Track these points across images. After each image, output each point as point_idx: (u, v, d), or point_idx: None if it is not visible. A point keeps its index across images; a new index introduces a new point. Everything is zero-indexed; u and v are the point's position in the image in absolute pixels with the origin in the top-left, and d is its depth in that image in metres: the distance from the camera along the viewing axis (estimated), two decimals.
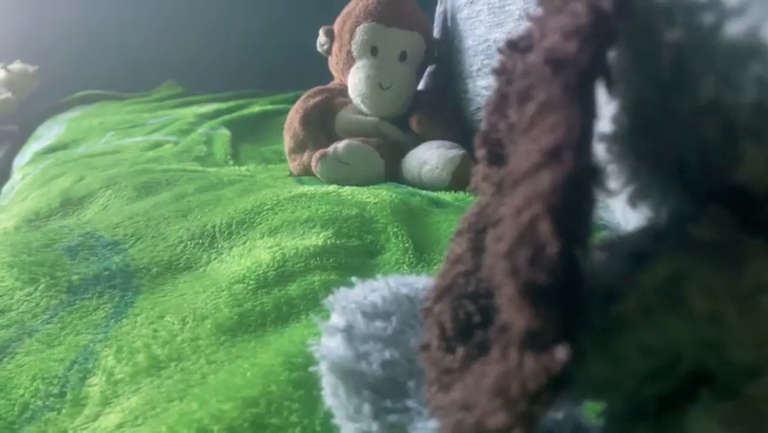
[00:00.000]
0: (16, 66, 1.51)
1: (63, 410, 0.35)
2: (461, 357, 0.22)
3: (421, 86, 0.99)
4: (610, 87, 0.17)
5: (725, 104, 0.15)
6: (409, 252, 0.52)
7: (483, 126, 0.23)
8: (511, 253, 0.17)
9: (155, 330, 0.41)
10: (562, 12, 0.18)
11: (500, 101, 0.22)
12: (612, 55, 0.20)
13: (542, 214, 0.16)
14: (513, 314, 0.17)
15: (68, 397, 0.36)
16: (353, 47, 0.87)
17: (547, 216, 0.16)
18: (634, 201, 0.21)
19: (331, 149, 0.80)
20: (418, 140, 0.86)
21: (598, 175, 0.16)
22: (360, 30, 0.86)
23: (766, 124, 0.14)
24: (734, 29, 0.14)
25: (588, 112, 0.17)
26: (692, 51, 0.16)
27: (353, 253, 0.52)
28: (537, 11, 0.21)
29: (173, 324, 0.41)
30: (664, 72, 0.17)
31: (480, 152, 0.22)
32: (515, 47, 0.22)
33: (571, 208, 0.16)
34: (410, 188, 0.74)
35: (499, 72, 0.22)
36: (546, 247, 0.16)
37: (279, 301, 0.43)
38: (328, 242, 0.52)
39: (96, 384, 0.37)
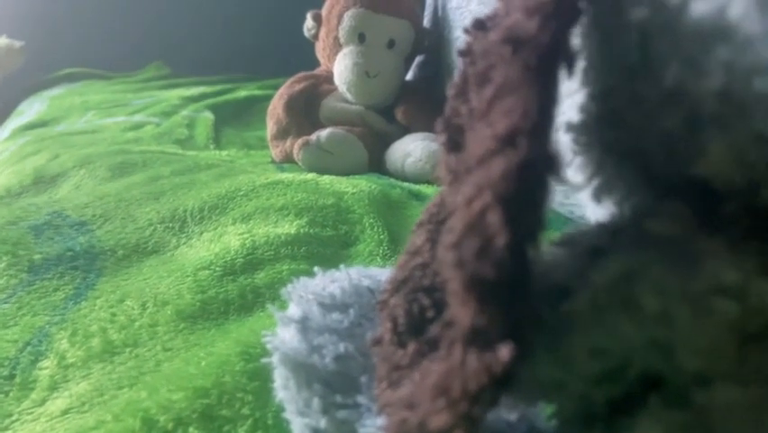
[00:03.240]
0: (2, 41, 1.47)
1: (11, 393, 0.34)
2: (411, 353, 0.21)
3: (409, 76, 0.98)
4: (572, 69, 0.16)
5: (690, 91, 0.14)
6: (384, 244, 0.51)
7: (446, 111, 0.21)
8: (458, 244, 0.16)
9: (113, 314, 0.39)
10: None
11: (463, 84, 0.21)
12: (580, 39, 0.19)
13: (492, 203, 0.15)
14: (458, 309, 0.16)
15: (17, 380, 0.35)
16: (341, 33, 0.85)
17: (497, 205, 0.15)
18: (598, 195, 0.20)
19: (314, 137, 0.78)
20: (404, 131, 0.85)
21: (554, 164, 0.15)
22: (348, 15, 0.84)
23: (731, 115, 0.13)
24: (700, 8, 0.13)
25: (547, 96, 0.16)
26: (658, 33, 0.15)
27: (326, 243, 0.51)
28: None
29: (132, 308, 0.40)
30: (630, 56, 0.16)
31: (441, 139, 0.21)
32: (481, 27, 0.20)
33: (524, 199, 0.15)
34: (391, 180, 0.72)
35: (464, 54, 0.21)
36: (495, 239, 0.15)
37: (245, 289, 0.42)
38: (301, 231, 0.50)
39: (46, 368, 0.35)
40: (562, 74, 0.16)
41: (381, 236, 0.52)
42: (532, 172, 0.15)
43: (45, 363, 0.36)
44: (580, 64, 0.19)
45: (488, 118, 0.17)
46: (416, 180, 0.75)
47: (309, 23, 0.89)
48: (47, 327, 0.40)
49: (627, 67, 0.16)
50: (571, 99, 0.21)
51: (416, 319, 0.22)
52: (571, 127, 0.20)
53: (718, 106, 0.14)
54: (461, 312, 0.15)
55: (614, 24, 0.16)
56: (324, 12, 0.89)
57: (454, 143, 0.21)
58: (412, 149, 0.79)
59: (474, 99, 0.19)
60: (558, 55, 0.16)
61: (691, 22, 0.14)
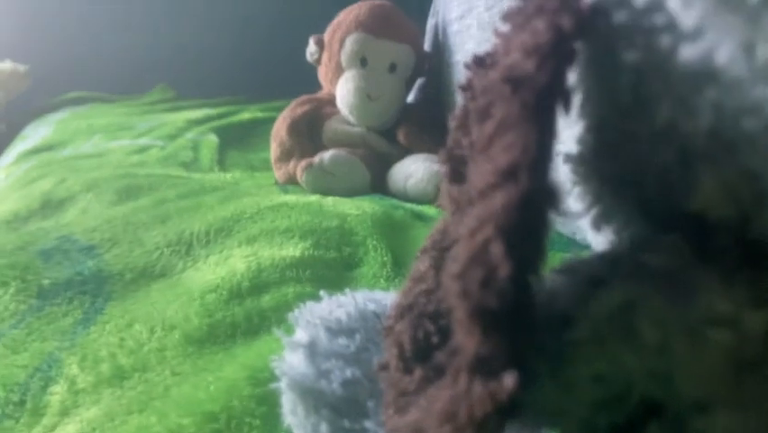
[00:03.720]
0: (6, 65, 1.49)
1: (21, 419, 0.34)
2: (417, 379, 0.21)
3: (410, 99, 0.99)
4: (568, 107, 0.17)
5: (681, 129, 0.15)
6: (387, 266, 0.51)
7: (448, 142, 0.22)
8: (463, 274, 0.16)
9: (122, 339, 0.40)
10: (525, 29, 0.18)
11: (465, 117, 0.21)
12: (577, 74, 0.19)
13: (494, 235, 0.16)
14: (463, 338, 0.16)
15: (28, 406, 0.35)
16: (343, 57, 0.86)
17: (499, 237, 0.16)
18: (597, 225, 0.21)
19: (317, 159, 0.79)
20: (405, 152, 0.86)
21: (554, 197, 0.16)
22: (349, 40, 0.85)
23: (720, 152, 0.14)
24: (689, 53, 0.14)
25: (546, 132, 0.17)
26: (651, 74, 0.15)
27: (330, 266, 0.51)
28: (504, 27, 0.20)
29: (141, 333, 0.40)
30: (623, 94, 0.17)
31: (443, 169, 0.22)
32: (481, 63, 0.21)
33: (525, 230, 0.16)
34: (394, 201, 0.73)
35: (465, 88, 0.22)
36: (497, 270, 0.15)
37: (251, 313, 0.42)
38: (305, 253, 0.51)
39: (57, 393, 0.36)
40: (560, 110, 0.17)
41: (385, 258, 0.53)
42: (532, 206, 0.16)
43: (55, 388, 0.36)
44: (577, 98, 0.20)
45: (488, 153, 0.18)
46: (419, 201, 0.76)
47: (312, 47, 0.91)
48: (56, 352, 0.40)
49: (620, 103, 0.17)
50: (571, 130, 0.21)
51: (422, 345, 0.22)
52: (569, 158, 0.21)
53: (708, 144, 0.14)
54: (467, 341, 0.16)
55: (608, 64, 0.17)
56: (326, 37, 0.90)
57: (457, 174, 0.22)
58: (414, 170, 0.80)
59: (475, 133, 0.20)
60: (555, 94, 0.17)
61: (682, 64, 0.14)
